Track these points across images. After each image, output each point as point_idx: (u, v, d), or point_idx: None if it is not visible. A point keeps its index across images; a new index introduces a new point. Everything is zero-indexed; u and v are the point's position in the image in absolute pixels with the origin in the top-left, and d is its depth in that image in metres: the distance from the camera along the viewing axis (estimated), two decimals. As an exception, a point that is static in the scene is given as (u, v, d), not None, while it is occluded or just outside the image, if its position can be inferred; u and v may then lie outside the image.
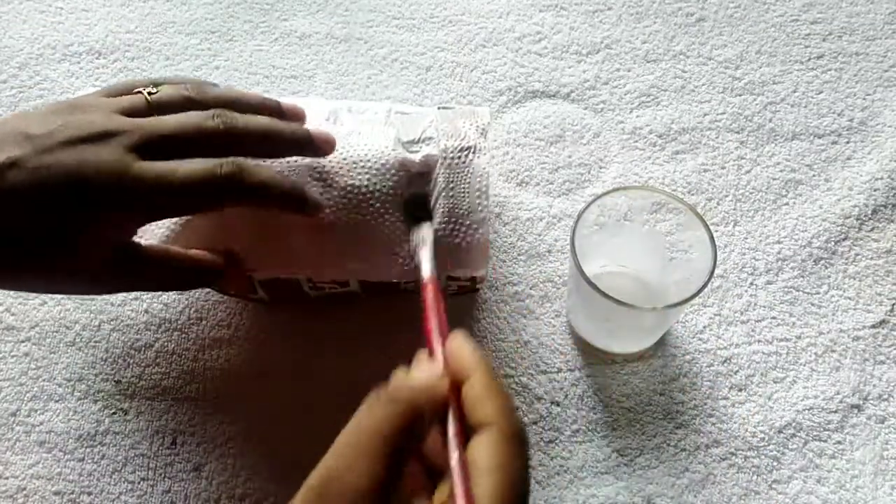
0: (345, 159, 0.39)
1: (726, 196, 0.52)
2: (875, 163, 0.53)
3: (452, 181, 0.40)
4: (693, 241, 0.41)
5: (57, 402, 0.44)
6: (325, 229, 0.39)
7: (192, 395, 0.44)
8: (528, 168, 0.53)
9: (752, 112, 0.56)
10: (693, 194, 0.52)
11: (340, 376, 0.44)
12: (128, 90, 0.36)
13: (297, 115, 0.40)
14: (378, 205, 0.39)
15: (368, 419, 0.25)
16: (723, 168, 0.53)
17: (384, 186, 0.39)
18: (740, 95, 0.56)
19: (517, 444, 0.26)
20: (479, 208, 0.40)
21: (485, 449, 0.26)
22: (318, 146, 0.38)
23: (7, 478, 0.42)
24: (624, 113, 0.55)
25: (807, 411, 0.44)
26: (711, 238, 0.39)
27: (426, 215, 0.39)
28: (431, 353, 0.30)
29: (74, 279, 0.34)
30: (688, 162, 0.53)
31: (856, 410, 0.44)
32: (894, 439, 0.43)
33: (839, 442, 0.43)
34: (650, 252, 0.44)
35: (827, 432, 0.43)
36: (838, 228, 0.50)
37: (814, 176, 0.53)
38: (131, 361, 0.45)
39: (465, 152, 0.40)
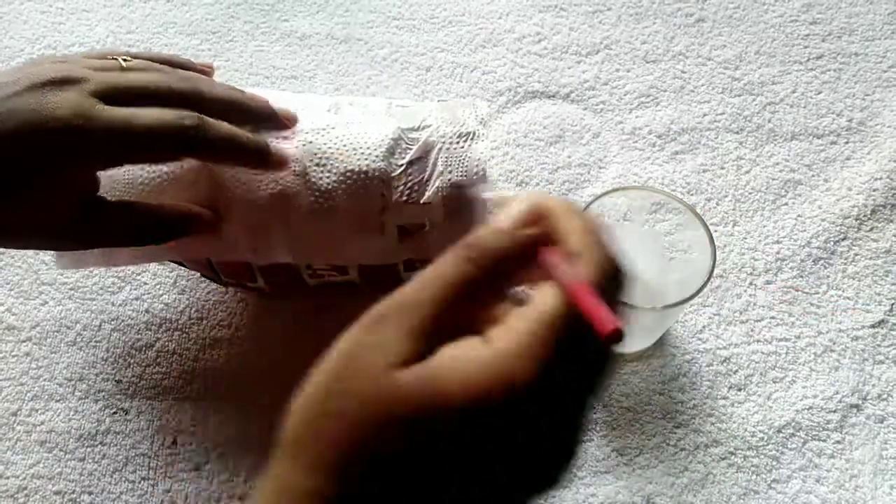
0: (345, 145, 0.39)
1: (726, 196, 0.52)
2: (874, 163, 0.53)
3: (450, 165, 0.40)
4: (692, 241, 0.41)
5: (58, 401, 0.44)
6: (324, 213, 0.39)
7: (192, 395, 0.45)
8: (528, 168, 0.53)
9: (751, 112, 0.56)
10: (692, 194, 0.52)
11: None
12: (104, 57, 0.37)
13: (264, 103, 0.41)
14: (376, 188, 0.39)
15: (440, 268, 0.25)
16: (722, 168, 0.53)
17: (383, 170, 0.39)
18: (739, 96, 0.56)
19: (610, 269, 0.25)
20: (478, 191, 0.40)
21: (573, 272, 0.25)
22: (280, 119, 0.39)
23: (8, 477, 0.42)
24: (623, 113, 0.56)
25: (806, 411, 0.44)
26: (711, 238, 0.39)
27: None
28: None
29: (42, 232, 0.35)
30: (687, 162, 0.53)
31: (855, 410, 0.44)
32: (893, 439, 0.43)
33: (838, 441, 0.43)
34: (650, 252, 0.44)
35: (826, 432, 0.43)
36: (837, 228, 0.50)
37: (813, 176, 0.53)
38: (132, 361, 0.46)
39: (464, 138, 0.41)
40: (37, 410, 0.44)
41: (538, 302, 0.24)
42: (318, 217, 0.39)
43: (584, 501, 0.41)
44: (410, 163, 0.39)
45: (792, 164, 0.53)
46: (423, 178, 0.39)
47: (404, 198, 0.39)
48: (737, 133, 0.55)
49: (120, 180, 0.39)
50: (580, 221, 0.26)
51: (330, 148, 0.39)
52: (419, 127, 0.40)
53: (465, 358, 0.23)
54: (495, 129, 0.55)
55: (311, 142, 0.39)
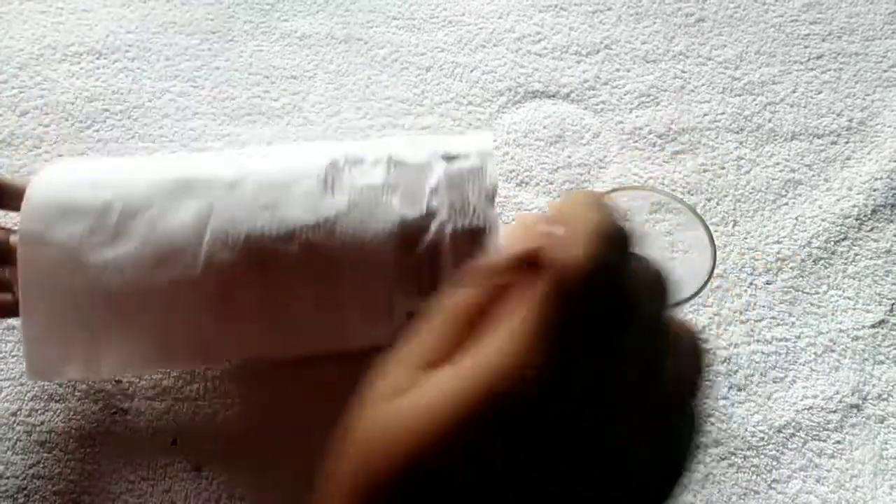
0: (351, 239, 0.38)
1: (726, 196, 0.52)
2: (874, 163, 0.53)
3: (462, 262, 0.38)
4: (692, 241, 0.41)
5: (57, 402, 0.44)
6: (331, 310, 0.38)
7: (192, 395, 0.45)
8: (528, 168, 0.53)
9: (751, 112, 0.56)
10: (692, 194, 0.52)
11: (342, 376, 0.44)
12: None
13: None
14: (384, 286, 0.38)
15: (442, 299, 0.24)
16: (722, 168, 0.53)
17: (391, 268, 0.38)
18: (740, 96, 0.56)
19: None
20: None
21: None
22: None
23: (8, 477, 0.42)
24: (623, 113, 0.56)
25: (806, 411, 0.44)
26: (711, 238, 0.39)
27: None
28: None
29: None
30: (687, 162, 0.53)
31: (855, 410, 0.44)
32: (894, 439, 0.43)
33: (838, 441, 0.43)
34: (649, 252, 0.44)
35: (826, 432, 0.43)
36: (838, 228, 0.50)
37: (813, 176, 0.53)
38: (132, 361, 0.46)
39: (475, 234, 0.38)
40: (37, 410, 0.44)
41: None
42: (325, 312, 0.38)
43: (584, 501, 0.41)
44: (419, 258, 0.38)
45: (792, 164, 0.53)
46: (433, 273, 0.38)
47: (415, 290, 0.38)
48: (737, 133, 0.55)
49: (106, 290, 0.37)
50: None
51: (335, 245, 0.37)
52: (426, 214, 0.38)
53: (446, 374, 0.22)
54: (495, 128, 0.55)
55: (312, 241, 0.37)
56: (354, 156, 0.40)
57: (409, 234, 0.38)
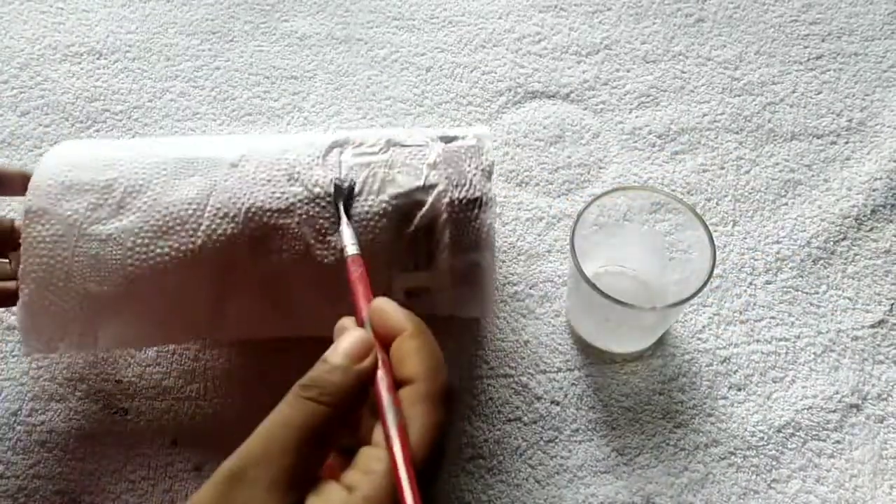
0: (351, 214, 0.38)
1: (725, 196, 0.52)
2: (874, 163, 0.53)
3: (458, 235, 0.38)
4: (692, 241, 0.41)
5: (58, 401, 0.44)
6: (329, 286, 0.38)
7: (192, 395, 0.45)
8: (528, 168, 0.53)
9: (751, 112, 0.56)
10: (692, 194, 0.52)
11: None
12: None
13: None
14: (382, 259, 0.38)
15: (286, 413, 0.26)
16: (722, 168, 0.53)
17: (388, 240, 0.38)
18: (739, 96, 0.57)
19: (436, 402, 0.26)
20: (486, 259, 0.39)
21: (406, 405, 0.26)
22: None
23: (8, 477, 0.42)
24: (623, 113, 0.56)
25: (806, 411, 0.44)
26: (710, 238, 0.39)
27: (349, 198, 0.38)
28: (360, 325, 0.30)
29: None
30: (687, 162, 0.53)
31: (855, 410, 0.44)
32: (893, 439, 0.43)
33: (838, 441, 0.43)
34: (649, 252, 0.44)
35: (826, 432, 0.43)
36: (837, 228, 0.50)
37: (813, 176, 0.53)
38: (132, 361, 0.46)
39: (472, 206, 0.39)
40: (37, 410, 0.44)
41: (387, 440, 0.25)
42: (321, 290, 0.38)
43: (584, 501, 0.41)
44: (416, 230, 0.38)
45: (792, 164, 0.53)
46: (430, 248, 0.38)
47: (411, 266, 0.38)
48: (737, 133, 0.55)
49: (106, 260, 0.37)
50: (413, 343, 0.27)
51: (331, 220, 0.38)
52: (424, 187, 0.39)
53: None
54: (495, 128, 0.55)
55: (311, 215, 0.38)
56: (355, 139, 0.41)
57: (407, 207, 0.38)
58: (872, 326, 0.47)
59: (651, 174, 0.53)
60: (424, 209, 0.38)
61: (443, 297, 0.39)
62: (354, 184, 0.38)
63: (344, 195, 0.38)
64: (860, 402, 0.44)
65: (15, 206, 0.50)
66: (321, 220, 0.38)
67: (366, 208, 0.38)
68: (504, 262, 0.49)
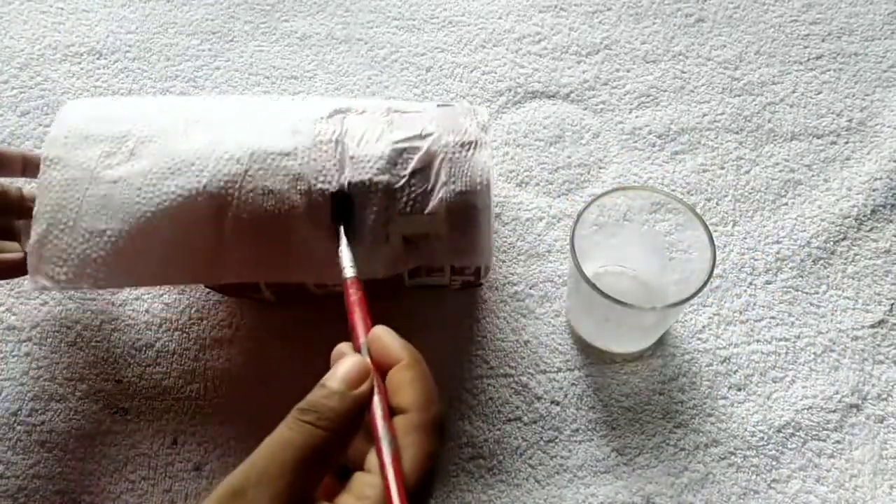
0: (350, 157, 0.39)
1: (725, 196, 0.52)
2: (874, 163, 0.53)
3: (454, 175, 0.40)
4: (692, 241, 0.41)
5: (58, 401, 0.44)
6: (330, 228, 0.39)
7: (192, 395, 0.45)
8: (528, 168, 0.53)
9: (751, 112, 0.56)
10: (692, 194, 0.52)
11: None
12: None
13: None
14: (380, 200, 0.39)
15: (285, 435, 0.27)
16: (722, 168, 0.53)
17: (386, 182, 0.39)
18: (739, 96, 0.57)
19: (429, 432, 0.27)
20: (481, 200, 0.40)
21: (400, 433, 0.27)
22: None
23: (8, 477, 0.42)
24: (623, 113, 0.56)
25: (806, 411, 0.44)
26: (710, 238, 0.39)
27: (348, 217, 0.39)
28: (357, 349, 0.31)
29: None
30: (687, 162, 0.53)
31: (855, 410, 0.44)
32: (893, 439, 0.43)
33: (838, 441, 0.43)
34: (649, 252, 0.44)
35: (826, 432, 0.43)
36: (837, 228, 0.50)
37: (813, 176, 0.53)
38: (132, 361, 0.46)
39: (467, 147, 0.40)
40: (37, 410, 0.44)
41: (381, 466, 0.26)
42: (321, 229, 0.39)
43: (584, 501, 0.41)
44: (413, 173, 0.39)
45: (792, 164, 0.53)
46: (426, 188, 0.39)
47: (408, 209, 0.39)
48: (737, 133, 0.55)
49: (116, 199, 0.39)
50: (409, 373, 0.29)
51: (332, 162, 0.39)
52: (421, 135, 0.40)
53: None
54: (495, 128, 0.55)
55: (314, 159, 0.39)
56: (357, 106, 0.43)
57: (404, 151, 0.40)
58: (872, 326, 0.47)
59: (651, 174, 0.53)
60: (421, 152, 0.40)
61: (440, 244, 0.40)
62: (355, 199, 0.39)
63: (344, 212, 0.39)
64: (860, 402, 0.44)
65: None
66: (323, 163, 0.39)
67: (365, 152, 0.39)
68: (504, 262, 0.49)
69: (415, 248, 0.40)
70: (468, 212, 0.40)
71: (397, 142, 0.40)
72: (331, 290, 0.44)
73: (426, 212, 0.39)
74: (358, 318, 0.32)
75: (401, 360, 0.29)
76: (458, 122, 0.41)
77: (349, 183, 0.38)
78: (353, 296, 0.34)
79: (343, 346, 0.32)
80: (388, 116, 0.42)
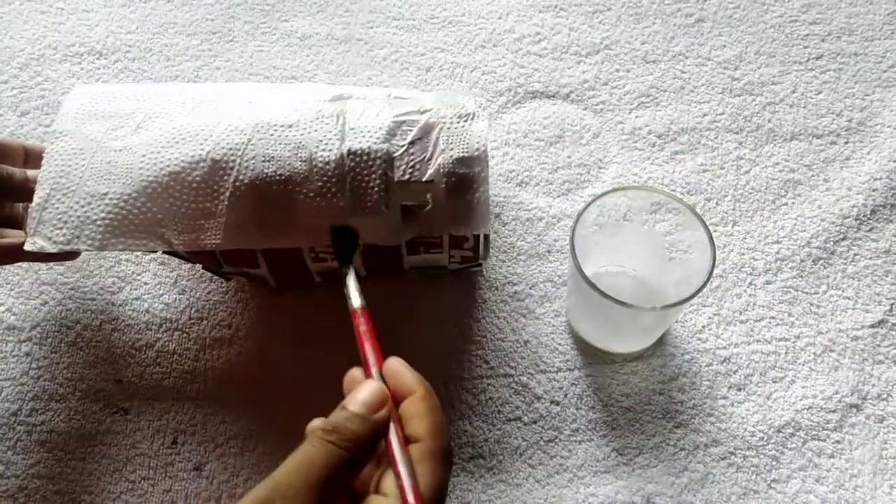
0: (350, 129, 0.41)
1: (725, 196, 0.52)
2: (874, 163, 0.53)
3: (451, 143, 0.41)
4: (692, 241, 0.41)
5: (58, 401, 0.44)
6: (330, 195, 0.39)
7: (192, 395, 0.45)
8: (528, 168, 0.53)
9: (751, 112, 0.56)
10: (692, 194, 0.52)
11: (342, 376, 0.44)
12: None
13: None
14: (379, 168, 0.40)
15: (310, 452, 0.29)
16: (722, 168, 0.53)
17: (385, 150, 0.40)
18: (739, 96, 0.57)
19: (441, 461, 0.29)
20: (479, 168, 0.41)
21: (414, 461, 0.29)
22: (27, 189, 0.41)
23: (8, 477, 0.42)
24: (623, 113, 0.56)
25: (806, 411, 0.44)
26: (710, 238, 0.39)
27: (351, 249, 0.40)
28: (368, 377, 0.33)
29: None
30: (687, 162, 0.53)
31: (854, 410, 0.44)
32: (893, 439, 0.43)
33: (838, 441, 0.43)
34: (649, 252, 0.44)
35: (826, 432, 0.43)
36: (837, 228, 0.50)
37: (812, 176, 0.53)
38: (132, 361, 0.46)
39: (464, 118, 0.42)
40: (37, 410, 0.44)
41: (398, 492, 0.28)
42: (324, 199, 0.39)
43: (584, 501, 0.41)
44: (412, 142, 0.40)
45: (792, 164, 0.53)
46: (424, 157, 0.40)
47: (407, 176, 0.40)
48: (737, 133, 0.55)
49: (119, 165, 0.40)
50: (423, 405, 0.30)
51: (334, 132, 0.40)
52: (420, 111, 0.41)
53: None
54: (495, 128, 0.55)
55: (315, 130, 0.40)
56: (359, 94, 0.44)
57: (404, 123, 0.41)
58: (872, 326, 0.47)
59: (651, 174, 0.53)
60: (420, 124, 0.41)
61: (440, 214, 0.40)
62: (358, 233, 0.40)
63: (347, 243, 0.40)
64: (860, 402, 0.44)
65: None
66: (324, 133, 0.40)
67: (365, 123, 0.41)
68: (504, 262, 0.49)
69: (413, 218, 0.41)
70: (466, 180, 0.40)
71: (397, 115, 0.41)
72: (327, 264, 0.44)
73: (424, 179, 0.40)
74: (369, 348, 0.34)
75: (414, 391, 0.31)
76: (456, 99, 0.43)
77: (349, 151, 0.39)
78: (363, 326, 0.35)
79: (355, 372, 0.34)
80: (388, 100, 0.43)
